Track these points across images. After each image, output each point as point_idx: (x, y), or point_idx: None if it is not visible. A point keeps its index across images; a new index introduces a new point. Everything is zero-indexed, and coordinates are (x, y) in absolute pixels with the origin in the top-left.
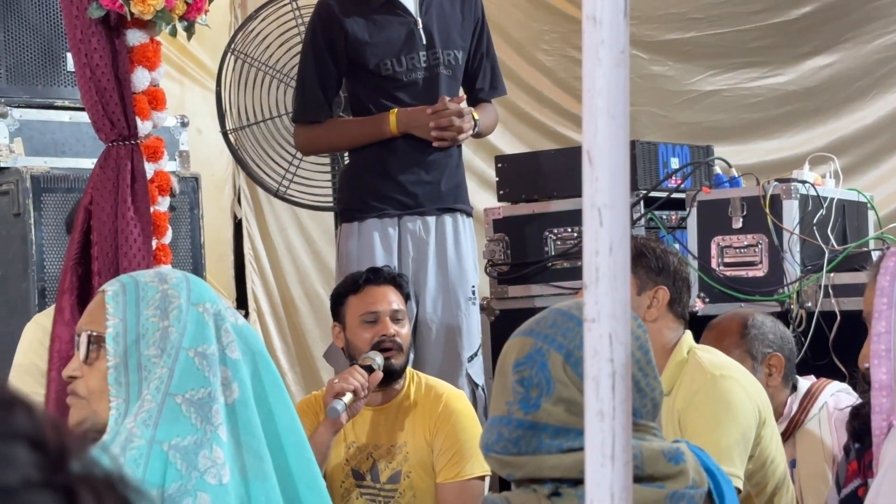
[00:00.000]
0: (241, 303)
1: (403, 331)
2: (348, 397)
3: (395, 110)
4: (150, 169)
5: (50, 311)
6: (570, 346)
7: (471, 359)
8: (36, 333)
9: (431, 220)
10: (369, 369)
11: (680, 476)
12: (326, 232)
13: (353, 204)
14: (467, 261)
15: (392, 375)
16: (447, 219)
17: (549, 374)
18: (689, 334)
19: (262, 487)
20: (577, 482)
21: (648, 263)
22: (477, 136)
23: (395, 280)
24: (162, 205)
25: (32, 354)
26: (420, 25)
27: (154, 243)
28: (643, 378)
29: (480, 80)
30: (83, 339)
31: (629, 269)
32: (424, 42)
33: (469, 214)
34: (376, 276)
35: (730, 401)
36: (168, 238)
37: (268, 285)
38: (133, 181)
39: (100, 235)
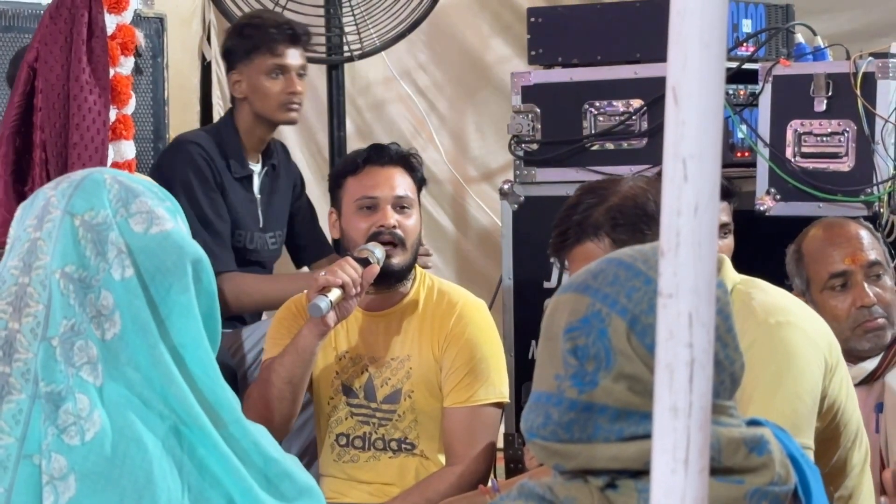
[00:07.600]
0: None
1: (409, 222)
2: (335, 293)
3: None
4: (111, 22)
5: None
6: (635, 309)
7: None
8: None
9: None
10: (365, 262)
11: (763, 469)
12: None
13: None
14: None
15: (392, 276)
16: None
17: (610, 343)
18: (727, 265)
19: None
20: (638, 473)
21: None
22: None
23: (404, 160)
24: (124, 67)
25: None
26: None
27: (113, 113)
28: (722, 349)
29: None
30: None
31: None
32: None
33: None
34: (380, 155)
35: (792, 354)
36: (131, 108)
37: None
38: (90, 36)
39: (46, 101)
